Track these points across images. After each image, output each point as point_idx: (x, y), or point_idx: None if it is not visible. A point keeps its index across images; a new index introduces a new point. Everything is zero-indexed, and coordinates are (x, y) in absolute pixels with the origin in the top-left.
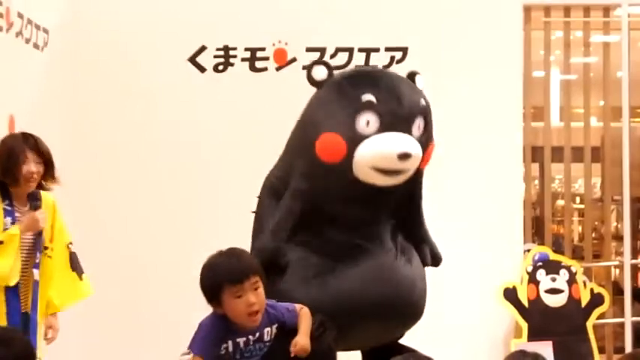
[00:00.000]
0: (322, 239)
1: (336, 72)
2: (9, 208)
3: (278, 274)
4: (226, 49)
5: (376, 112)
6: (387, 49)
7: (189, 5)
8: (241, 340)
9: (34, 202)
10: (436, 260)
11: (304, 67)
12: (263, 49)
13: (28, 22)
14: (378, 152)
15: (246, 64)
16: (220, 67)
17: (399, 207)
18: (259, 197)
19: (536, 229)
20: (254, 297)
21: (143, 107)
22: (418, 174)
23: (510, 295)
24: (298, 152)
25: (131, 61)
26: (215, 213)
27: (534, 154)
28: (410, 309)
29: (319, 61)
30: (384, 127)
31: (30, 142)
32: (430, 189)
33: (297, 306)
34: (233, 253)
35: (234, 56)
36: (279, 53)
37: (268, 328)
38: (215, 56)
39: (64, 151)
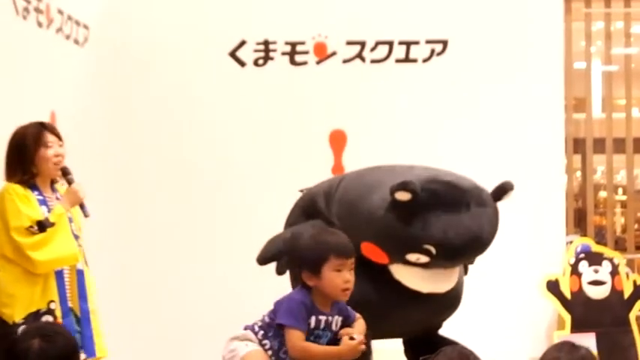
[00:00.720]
0: None
1: (417, 183)
2: (40, 197)
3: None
4: (266, 43)
5: (430, 257)
6: (428, 42)
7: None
8: (323, 319)
9: (67, 176)
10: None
11: (394, 189)
12: (303, 43)
13: (68, 18)
14: (410, 282)
15: (286, 57)
16: (260, 62)
17: None
18: (295, 204)
19: (578, 221)
20: (350, 275)
21: (184, 102)
22: None
23: (553, 287)
24: (346, 222)
25: (171, 56)
26: (256, 205)
27: (576, 145)
28: (446, 298)
29: (408, 187)
30: (431, 266)
31: (48, 126)
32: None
33: (357, 314)
34: (338, 232)
35: (274, 50)
36: (319, 47)
37: (337, 317)
38: (255, 50)
39: (105, 145)
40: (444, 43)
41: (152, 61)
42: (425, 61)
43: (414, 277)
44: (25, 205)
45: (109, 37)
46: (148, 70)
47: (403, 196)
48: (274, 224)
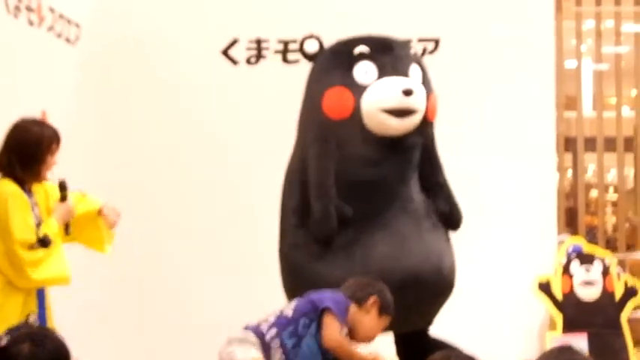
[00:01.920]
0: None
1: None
2: (30, 201)
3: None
4: (258, 41)
5: (371, 60)
6: (420, 40)
7: None
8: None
9: (64, 191)
10: (455, 219)
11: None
12: (295, 41)
13: (60, 16)
14: (382, 92)
15: (279, 56)
16: (252, 60)
17: (421, 166)
18: (283, 188)
19: (569, 221)
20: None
21: (175, 100)
22: (429, 127)
23: (544, 287)
24: (309, 123)
25: (163, 55)
26: (247, 205)
27: (567, 144)
28: (439, 282)
29: (310, 36)
30: (382, 74)
31: (59, 133)
32: (464, 180)
33: None
34: None
35: (267, 48)
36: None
37: None
38: (247, 48)
39: (97, 145)
40: (436, 41)
41: (144, 60)
42: None
43: (380, 88)
44: (29, 214)
45: (100, 36)
46: (139, 68)
47: (311, 45)
48: (267, 223)
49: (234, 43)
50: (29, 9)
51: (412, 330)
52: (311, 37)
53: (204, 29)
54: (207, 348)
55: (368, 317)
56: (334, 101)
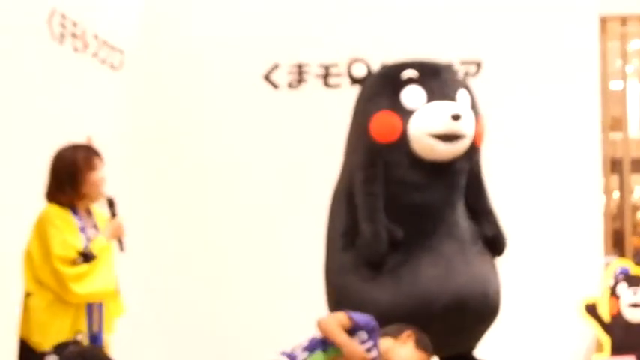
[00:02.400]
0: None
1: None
2: (80, 223)
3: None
4: (299, 65)
5: (420, 84)
6: (462, 63)
7: (262, 23)
8: (365, 338)
9: (112, 208)
10: (499, 244)
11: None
12: (336, 65)
13: (104, 43)
14: (430, 116)
15: (320, 80)
16: (294, 84)
17: (467, 191)
18: (329, 210)
19: (616, 242)
20: None
21: (218, 125)
22: (476, 152)
23: (591, 310)
24: (356, 147)
25: (205, 80)
26: (289, 228)
27: (613, 165)
28: (485, 306)
29: (357, 59)
30: (430, 98)
31: (94, 149)
32: (509, 202)
33: None
34: None
35: (308, 72)
36: None
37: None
38: (288, 73)
39: (140, 169)
40: (478, 64)
41: (186, 85)
42: None
43: (428, 113)
44: (70, 233)
45: (143, 62)
46: (182, 93)
47: (359, 69)
48: (311, 246)
49: (275, 67)
50: (74, 36)
51: (457, 353)
52: (358, 60)
53: (246, 54)
54: None
55: (405, 349)
56: (381, 125)
